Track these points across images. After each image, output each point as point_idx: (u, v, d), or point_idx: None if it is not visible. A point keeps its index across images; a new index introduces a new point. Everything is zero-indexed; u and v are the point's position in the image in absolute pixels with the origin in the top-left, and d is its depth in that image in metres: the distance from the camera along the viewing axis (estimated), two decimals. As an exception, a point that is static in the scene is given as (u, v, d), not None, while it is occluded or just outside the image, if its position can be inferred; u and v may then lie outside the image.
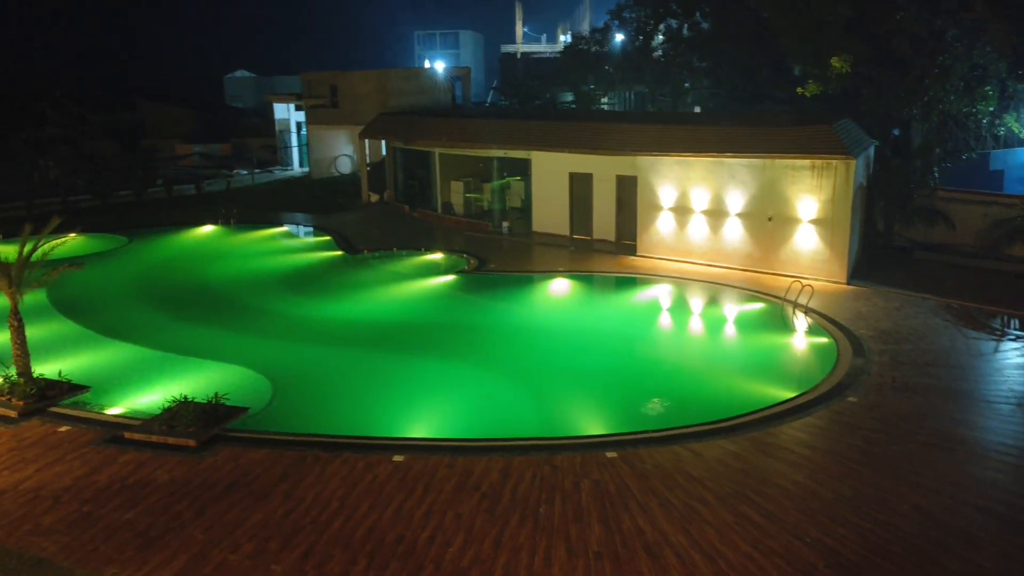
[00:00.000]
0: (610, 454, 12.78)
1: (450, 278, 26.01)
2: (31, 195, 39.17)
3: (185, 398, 14.06)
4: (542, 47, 77.94)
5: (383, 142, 41.01)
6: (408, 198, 37.96)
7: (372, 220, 37.05)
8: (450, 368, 18.00)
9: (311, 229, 35.13)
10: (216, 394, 14.34)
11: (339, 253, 29.92)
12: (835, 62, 26.78)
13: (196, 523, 10.86)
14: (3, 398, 14.59)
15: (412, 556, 10.03)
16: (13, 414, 14.26)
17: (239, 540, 10.43)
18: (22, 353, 15.29)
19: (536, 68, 64.53)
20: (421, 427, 14.72)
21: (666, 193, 26.78)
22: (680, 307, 22.54)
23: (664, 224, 27.03)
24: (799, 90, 29.50)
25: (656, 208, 27.12)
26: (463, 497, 11.46)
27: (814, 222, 23.94)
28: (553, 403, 16.06)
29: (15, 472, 12.34)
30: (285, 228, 35.27)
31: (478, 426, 14.72)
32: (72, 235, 23.64)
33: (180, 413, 13.64)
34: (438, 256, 29.00)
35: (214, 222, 35.01)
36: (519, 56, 74.65)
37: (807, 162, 23.76)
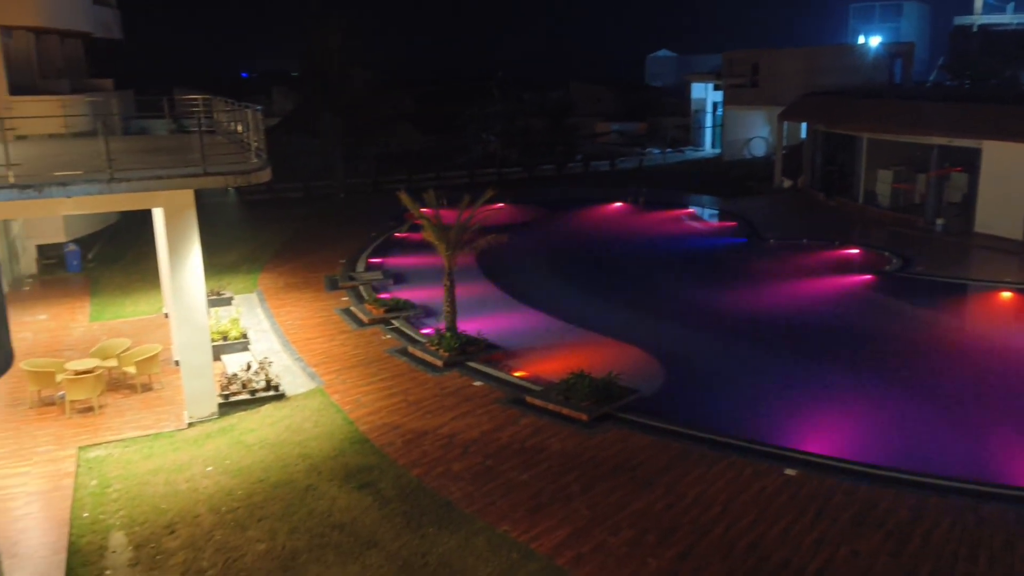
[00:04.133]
0: (1061, 519, 10.38)
1: (867, 278, 23.59)
2: (472, 166, 44.21)
3: (582, 372, 14.54)
4: (1006, 18, 66.99)
5: (803, 124, 38.63)
6: (825, 185, 35.32)
7: (782, 206, 35.24)
8: (857, 380, 16.22)
9: (717, 212, 34.52)
10: (611, 372, 14.61)
11: (744, 240, 28.91)
12: None
13: (581, 498, 11.12)
14: (432, 348, 16.52)
15: (798, 587, 9.12)
16: (439, 363, 16.06)
17: (619, 525, 10.44)
18: (451, 310, 17.13)
19: (995, 43, 55.63)
20: (816, 441, 13.42)
21: None
22: None
23: None
24: None
25: None
26: (862, 532, 10.16)
27: None
28: (987, 442, 13.56)
29: (436, 417, 13.84)
30: (691, 210, 35.12)
31: (886, 452, 12.99)
32: (501, 205, 25.99)
33: (576, 386, 14.14)
34: (854, 251, 26.51)
35: (624, 200, 36.12)
36: (975, 29, 65.07)
37: None
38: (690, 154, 53.08)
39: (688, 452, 12.36)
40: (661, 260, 26.81)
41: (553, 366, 16.14)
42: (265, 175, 13.64)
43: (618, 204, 35.84)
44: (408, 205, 17.51)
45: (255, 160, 14.06)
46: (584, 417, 13.46)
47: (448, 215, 17.45)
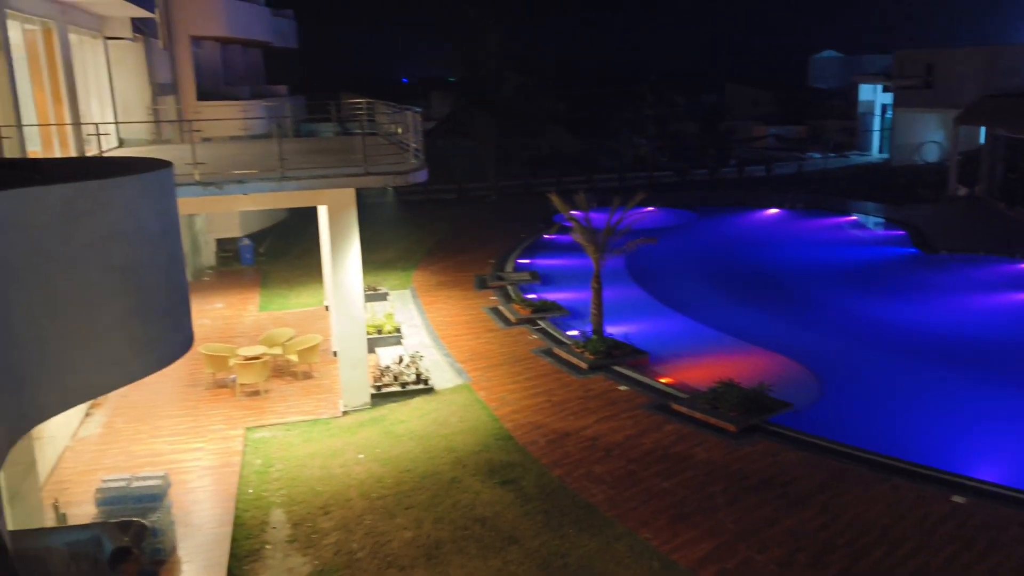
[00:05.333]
0: None
1: (1053, 294, 21.58)
2: (623, 169, 43.94)
3: (730, 381, 14.11)
4: None
5: (982, 128, 35.79)
6: (1006, 194, 32.56)
7: (957, 216, 32.78)
8: (1040, 405, 14.84)
9: (883, 221, 32.56)
10: (761, 383, 14.11)
11: (912, 251, 27.13)
12: None
13: (727, 511, 10.79)
14: (578, 350, 16.52)
15: (965, 624, 8.45)
16: (584, 366, 16.04)
17: (767, 542, 10.05)
18: (598, 313, 17.07)
19: None
20: (989, 468, 12.38)
21: None
22: None
23: None
24: None
25: None
26: (1042, 570, 9.29)
27: None
28: None
29: (579, 419, 13.84)
30: (854, 217, 33.31)
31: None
32: (651, 208, 25.63)
33: (724, 395, 13.73)
34: (1039, 266, 24.31)
35: (780, 205, 34.77)
36: None
37: None
38: (855, 159, 50.39)
39: (845, 471, 11.72)
40: (820, 269, 25.58)
41: (701, 374, 15.76)
42: (422, 176, 14.11)
43: (774, 210, 34.54)
44: (558, 207, 17.61)
45: (413, 161, 14.58)
46: (732, 428, 13.05)
47: (598, 218, 17.42)
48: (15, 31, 13.83)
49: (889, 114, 49.01)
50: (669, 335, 18.90)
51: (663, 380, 15.55)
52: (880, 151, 51.20)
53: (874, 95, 52.36)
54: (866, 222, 32.98)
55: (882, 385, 16.09)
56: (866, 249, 28.93)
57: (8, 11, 13.22)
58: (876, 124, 52.42)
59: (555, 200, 17.70)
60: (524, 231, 30.05)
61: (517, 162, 42.66)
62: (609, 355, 16.30)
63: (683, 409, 13.83)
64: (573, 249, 19.95)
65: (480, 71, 39.82)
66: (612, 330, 17.26)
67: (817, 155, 50.20)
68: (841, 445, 12.49)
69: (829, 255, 27.51)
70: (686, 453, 12.45)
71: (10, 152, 12.33)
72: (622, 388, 15.08)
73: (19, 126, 12.92)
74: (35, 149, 14.20)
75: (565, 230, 18.35)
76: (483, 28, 39.62)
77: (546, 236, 29.18)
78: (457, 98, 42.85)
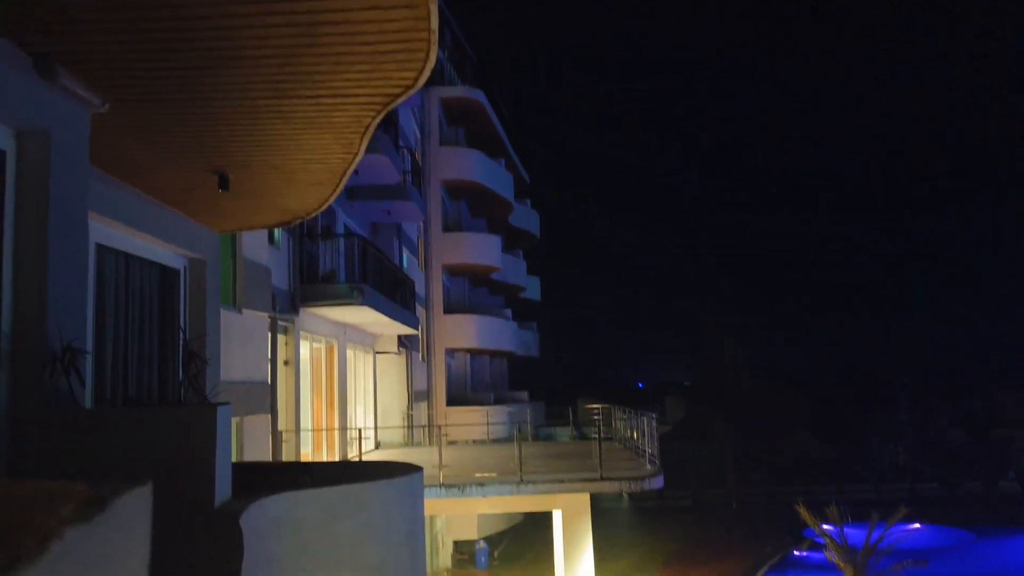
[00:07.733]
0: None
1: None
2: (879, 479, 40.28)
3: None
4: None
5: None
6: None
7: None
8: None
9: None
10: None
11: None
12: None
13: None
14: None
15: None
16: None
17: None
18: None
19: None
20: None
21: None
22: None
23: None
24: None
25: None
26: None
27: None
28: None
29: None
30: None
31: None
32: (916, 525, 22.95)
33: None
34: None
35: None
36: None
37: None
38: None
39: None
40: None
41: None
42: (658, 482, 13.86)
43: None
44: (807, 520, 16.31)
45: (648, 467, 14.43)
46: None
47: (854, 534, 15.83)
48: (305, 349, 16.14)
49: None
50: None
51: None
52: None
53: None
54: None
55: None
56: None
57: (302, 333, 15.58)
58: None
59: (803, 512, 16.47)
60: (770, 545, 27.75)
61: (758, 468, 40.71)
62: None
63: None
64: (827, 569, 18.02)
65: (716, 374, 39.94)
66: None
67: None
68: None
69: None
70: None
71: (287, 453, 13.83)
72: None
73: (297, 430, 14.58)
74: (306, 451, 15.80)
75: (817, 546, 16.82)
76: (720, 333, 40.38)
77: (795, 552, 26.74)
78: (693, 402, 42.82)
